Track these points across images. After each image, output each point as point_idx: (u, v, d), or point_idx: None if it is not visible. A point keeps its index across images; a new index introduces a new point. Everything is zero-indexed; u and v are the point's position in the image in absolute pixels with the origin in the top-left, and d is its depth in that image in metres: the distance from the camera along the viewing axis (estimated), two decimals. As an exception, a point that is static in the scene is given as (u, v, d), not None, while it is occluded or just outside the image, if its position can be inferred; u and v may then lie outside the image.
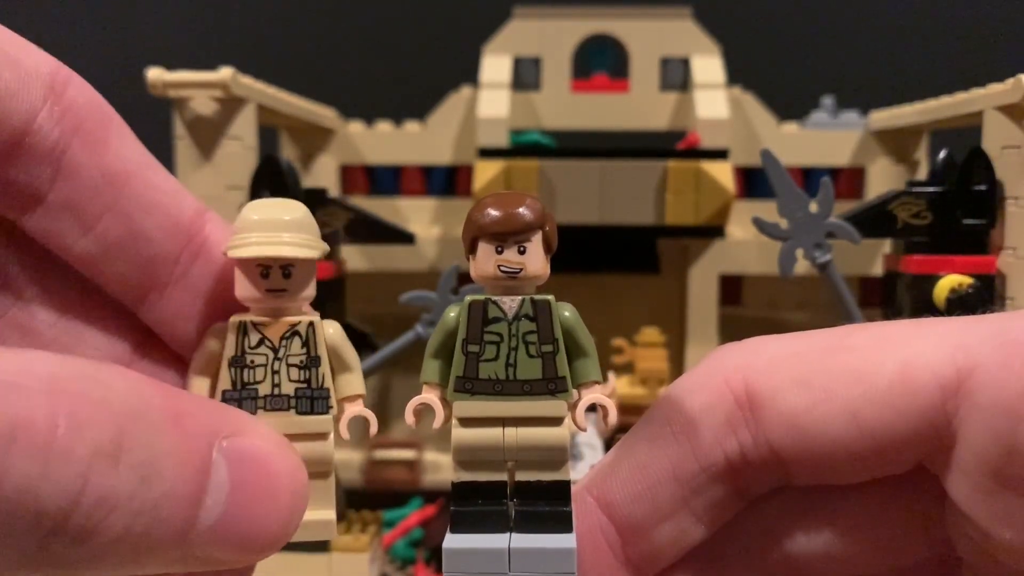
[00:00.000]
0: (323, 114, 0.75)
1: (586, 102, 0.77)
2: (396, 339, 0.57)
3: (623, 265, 0.73)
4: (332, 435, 0.26)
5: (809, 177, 0.75)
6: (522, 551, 0.24)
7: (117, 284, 0.27)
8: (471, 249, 0.25)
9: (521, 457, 0.25)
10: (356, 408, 0.26)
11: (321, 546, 0.55)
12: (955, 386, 0.23)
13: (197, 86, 0.58)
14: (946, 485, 0.24)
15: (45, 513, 0.18)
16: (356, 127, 0.79)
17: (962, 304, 0.52)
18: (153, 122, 0.26)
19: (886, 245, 0.63)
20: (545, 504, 0.25)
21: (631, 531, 0.26)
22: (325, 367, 0.26)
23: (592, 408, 0.25)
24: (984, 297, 0.53)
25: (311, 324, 0.26)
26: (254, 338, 0.26)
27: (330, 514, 0.26)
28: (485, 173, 0.68)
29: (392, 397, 0.74)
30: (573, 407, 0.25)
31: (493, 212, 0.24)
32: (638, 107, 0.77)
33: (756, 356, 0.26)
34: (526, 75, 0.77)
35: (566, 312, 0.25)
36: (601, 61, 0.78)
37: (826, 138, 0.76)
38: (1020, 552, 0.23)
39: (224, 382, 0.26)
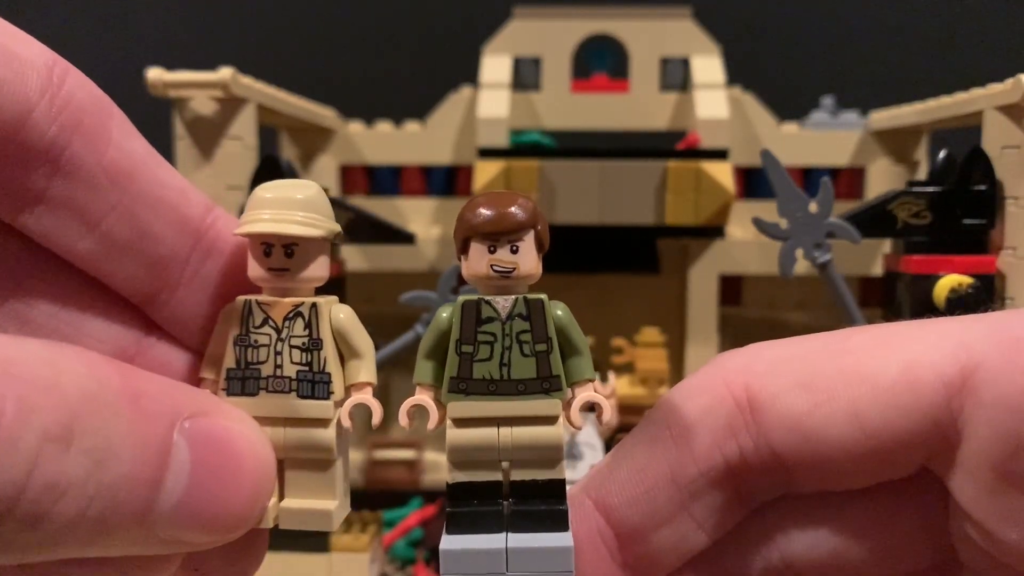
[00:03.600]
0: (323, 114, 0.75)
1: (586, 102, 0.77)
2: (396, 339, 0.57)
3: (623, 265, 0.73)
4: (334, 422, 0.25)
5: (809, 177, 0.75)
6: (519, 551, 0.24)
7: (125, 283, 0.26)
8: (463, 249, 0.25)
9: (516, 457, 0.25)
10: (361, 396, 0.26)
11: (321, 546, 0.55)
12: (959, 384, 0.23)
13: (197, 86, 0.58)
14: (950, 486, 0.24)
15: None
16: (356, 127, 0.79)
17: (962, 304, 0.52)
18: (153, 122, 0.26)
19: (886, 245, 0.63)
20: (541, 503, 0.25)
21: (628, 535, 0.25)
22: (328, 351, 0.25)
23: (590, 407, 0.25)
24: (984, 297, 0.53)
25: (314, 305, 0.25)
26: (258, 317, 0.25)
27: (329, 504, 0.25)
28: (485, 173, 0.68)
29: (392, 397, 0.74)
30: (568, 405, 0.25)
31: (485, 212, 0.24)
32: (638, 107, 0.77)
33: (756, 360, 0.26)
34: (526, 75, 0.77)
35: (559, 311, 0.25)
36: (601, 61, 0.78)
37: (826, 138, 0.76)
38: None
39: (229, 360, 0.25)
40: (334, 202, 0.59)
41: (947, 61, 0.88)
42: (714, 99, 0.72)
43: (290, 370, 0.25)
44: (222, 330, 0.26)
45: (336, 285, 0.60)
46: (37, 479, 0.18)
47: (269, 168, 0.59)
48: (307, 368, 0.25)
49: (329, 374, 0.25)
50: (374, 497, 0.67)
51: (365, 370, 0.26)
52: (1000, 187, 0.54)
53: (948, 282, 0.53)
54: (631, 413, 0.61)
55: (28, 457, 0.18)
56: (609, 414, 0.24)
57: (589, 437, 0.54)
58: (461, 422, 0.25)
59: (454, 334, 0.25)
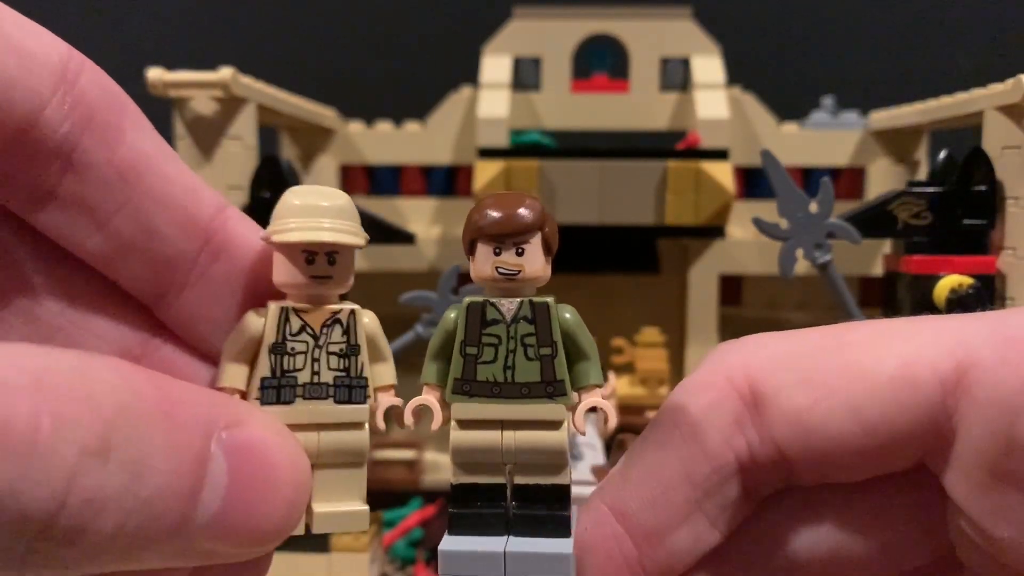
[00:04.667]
0: (323, 114, 0.75)
1: (586, 102, 0.77)
2: (396, 339, 0.57)
3: (623, 265, 0.73)
4: (367, 425, 0.26)
5: (809, 177, 0.75)
6: (518, 555, 0.24)
7: (132, 283, 0.26)
8: (470, 250, 0.25)
9: (520, 460, 0.25)
10: (390, 398, 0.26)
11: (321, 546, 0.55)
12: (954, 381, 0.23)
13: (197, 86, 0.58)
14: (945, 483, 0.24)
15: (29, 516, 0.18)
16: (356, 127, 0.79)
17: (962, 304, 0.52)
18: (153, 122, 0.25)
19: (886, 245, 0.63)
20: (544, 508, 0.25)
21: (646, 539, 0.25)
22: (364, 356, 0.25)
23: (593, 410, 0.25)
24: (984, 297, 0.53)
25: (352, 312, 0.25)
26: (295, 325, 0.25)
27: (362, 505, 0.26)
28: (485, 173, 0.68)
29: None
30: (572, 410, 0.25)
31: (491, 213, 0.24)
32: (638, 107, 0.77)
33: (758, 354, 0.26)
34: (526, 75, 0.77)
35: (567, 314, 0.25)
36: (601, 61, 0.78)
37: (826, 138, 0.76)
38: (1018, 550, 0.23)
39: (263, 369, 0.25)
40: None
41: (947, 61, 0.88)
42: (714, 99, 0.72)
43: (327, 376, 0.25)
44: (248, 333, 0.25)
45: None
46: (76, 494, 0.18)
47: (269, 168, 0.59)
48: (344, 374, 0.25)
49: (366, 379, 0.25)
50: (374, 497, 0.66)
51: (389, 373, 0.26)
52: (1000, 187, 0.54)
53: (948, 282, 0.53)
54: (631, 413, 0.61)
55: (67, 471, 0.18)
56: (614, 421, 0.24)
57: (589, 438, 0.54)
58: (464, 423, 0.25)
59: (459, 335, 0.25)
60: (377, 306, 0.26)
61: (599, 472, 0.51)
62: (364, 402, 0.25)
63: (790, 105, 0.79)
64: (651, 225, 0.68)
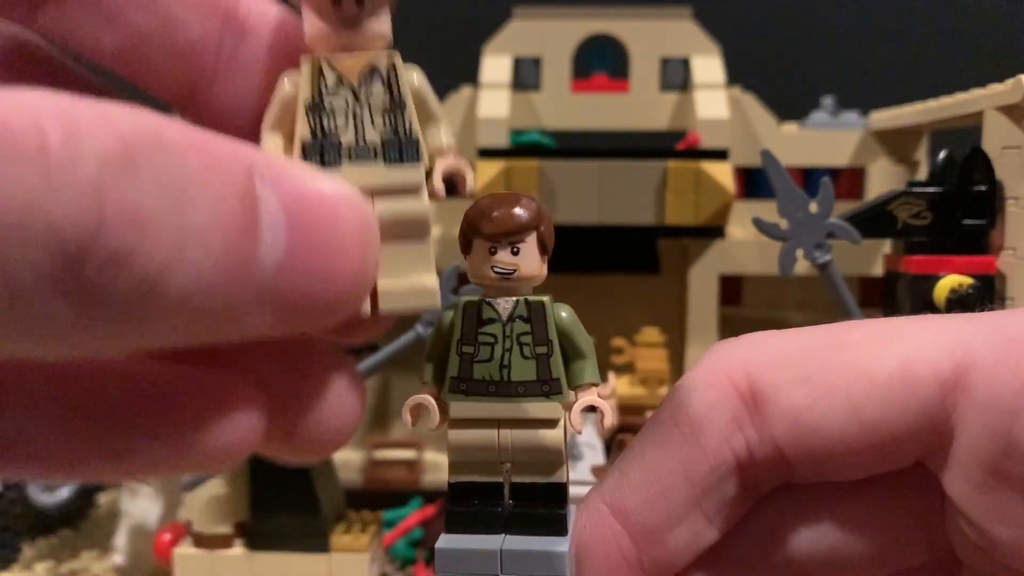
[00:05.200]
0: (323, 114, 0.75)
1: (586, 102, 0.77)
2: (396, 339, 0.57)
3: (623, 265, 0.73)
4: (425, 189, 0.23)
5: (809, 177, 0.75)
6: (514, 553, 0.24)
7: (158, 81, 0.24)
8: (466, 250, 0.25)
9: (516, 459, 0.25)
10: (450, 160, 0.23)
11: (321, 546, 0.55)
12: (953, 382, 0.23)
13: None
14: (944, 483, 0.24)
15: (64, 233, 0.15)
16: (356, 127, 0.79)
17: (962, 304, 0.52)
18: None
19: (886, 245, 0.63)
20: (541, 506, 0.25)
21: (645, 537, 0.25)
22: (411, 111, 0.23)
23: (592, 409, 0.25)
24: (984, 297, 0.53)
25: (392, 62, 0.23)
26: (331, 79, 0.22)
27: (431, 279, 0.23)
28: (485, 173, 0.68)
29: (392, 397, 0.74)
30: (569, 409, 0.25)
31: (487, 212, 0.24)
32: (638, 107, 0.77)
33: (758, 352, 0.26)
34: (526, 75, 0.77)
35: (563, 313, 0.25)
36: (601, 61, 0.78)
37: (826, 138, 0.76)
38: (1017, 551, 0.23)
39: (303, 131, 0.22)
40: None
41: (947, 61, 0.88)
42: (714, 99, 0.72)
43: (373, 136, 0.23)
44: (284, 95, 0.23)
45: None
46: (112, 208, 0.16)
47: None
48: (392, 132, 0.23)
49: (417, 137, 0.23)
50: (374, 497, 0.67)
51: (444, 134, 0.24)
52: (1000, 187, 0.54)
53: (948, 282, 0.53)
54: (631, 413, 0.61)
55: (92, 183, 0.15)
56: (611, 419, 0.24)
57: (589, 437, 0.54)
58: (461, 422, 0.25)
59: (455, 334, 0.25)
60: (377, 306, 0.26)
61: (599, 472, 0.51)
62: (417, 160, 0.23)
63: (790, 105, 0.79)
64: (651, 225, 0.68)
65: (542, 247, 0.25)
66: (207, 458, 0.21)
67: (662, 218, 0.67)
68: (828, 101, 0.77)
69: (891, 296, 0.60)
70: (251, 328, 0.18)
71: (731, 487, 0.25)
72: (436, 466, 0.73)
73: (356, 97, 0.23)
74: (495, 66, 0.75)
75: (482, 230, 0.24)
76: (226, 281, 0.17)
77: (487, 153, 0.70)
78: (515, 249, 0.24)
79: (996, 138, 0.54)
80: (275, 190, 0.18)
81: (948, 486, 0.24)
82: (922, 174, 0.73)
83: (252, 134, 0.23)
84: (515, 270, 0.24)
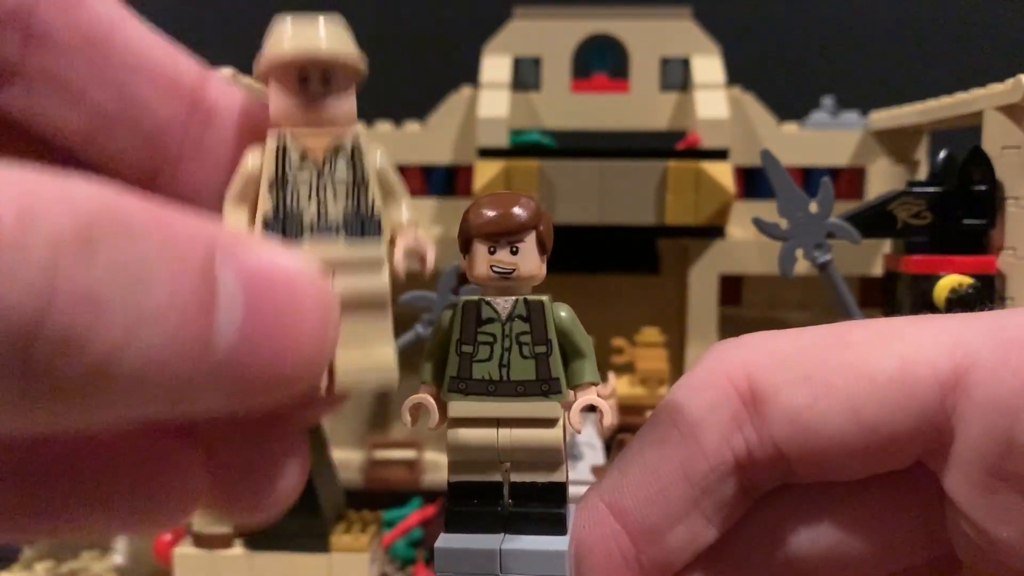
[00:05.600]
0: (323, 114, 0.75)
1: (586, 102, 0.77)
2: (396, 339, 0.57)
3: (623, 265, 0.73)
4: (386, 265, 0.23)
5: (809, 177, 0.75)
6: (513, 552, 0.24)
7: (122, 162, 0.24)
8: (465, 249, 0.25)
9: (516, 458, 0.25)
10: (409, 237, 0.23)
11: (321, 546, 0.55)
12: (953, 382, 0.23)
13: (197, 86, 0.58)
14: (944, 483, 0.24)
15: (11, 316, 0.15)
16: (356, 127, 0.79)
17: (962, 304, 0.52)
18: None
19: (886, 245, 0.63)
20: (540, 506, 0.25)
21: (644, 536, 0.25)
22: (374, 188, 0.23)
23: (591, 408, 0.25)
24: (984, 297, 0.53)
25: (355, 139, 0.23)
26: (295, 155, 0.22)
27: (390, 356, 0.23)
28: (485, 173, 0.68)
29: (392, 397, 0.74)
30: (568, 408, 0.25)
31: (486, 212, 0.24)
32: (638, 107, 0.77)
33: (758, 352, 0.26)
34: (526, 75, 0.77)
35: (562, 313, 0.25)
36: (601, 61, 0.78)
37: (826, 138, 0.76)
38: (1017, 551, 0.23)
39: (265, 206, 0.22)
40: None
41: (947, 61, 0.88)
42: (714, 99, 0.72)
43: (335, 212, 0.22)
44: (248, 169, 0.23)
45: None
46: (63, 291, 0.15)
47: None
48: (355, 208, 0.23)
49: (379, 213, 0.23)
50: (374, 497, 0.67)
51: (404, 211, 0.24)
52: (1000, 187, 0.54)
53: (948, 282, 0.53)
54: (631, 413, 0.61)
55: (43, 264, 0.15)
56: (610, 418, 0.24)
57: (589, 437, 0.54)
58: (460, 422, 0.25)
59: (454, 334, 0.25)
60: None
61: (599, 472, 0.51)
62: (378, 235, 0.23)
63: (790, 105, 0.79)
64: (651, 225, 0.68)
65: (541, 246, 0.25)
66: (145, 523, 0.21)
67: (662, 218, 0.67)
68: (828, 101, 0.77)
69: (891, 296, 0.60)
70: (202, 406, 0.18)
71: (730, 487, 0.25)
72: (436, 466, 0.73)
73: (320, 174, 0.23)
74: (495, 66, 0.75)
75: (481, 230, 0.24)
76: (179, 362, 0.17)
77: (487, 153, 0.70)
78: (514, 248, 0.24)
79: (996, 138, 0.54)
80: (234, 268, 0.18)
81: (949, 486, 0.24)
82: (922, 174, 0.73)
83: (214, 215, 0.23)
84: (514, 269, 0.24)
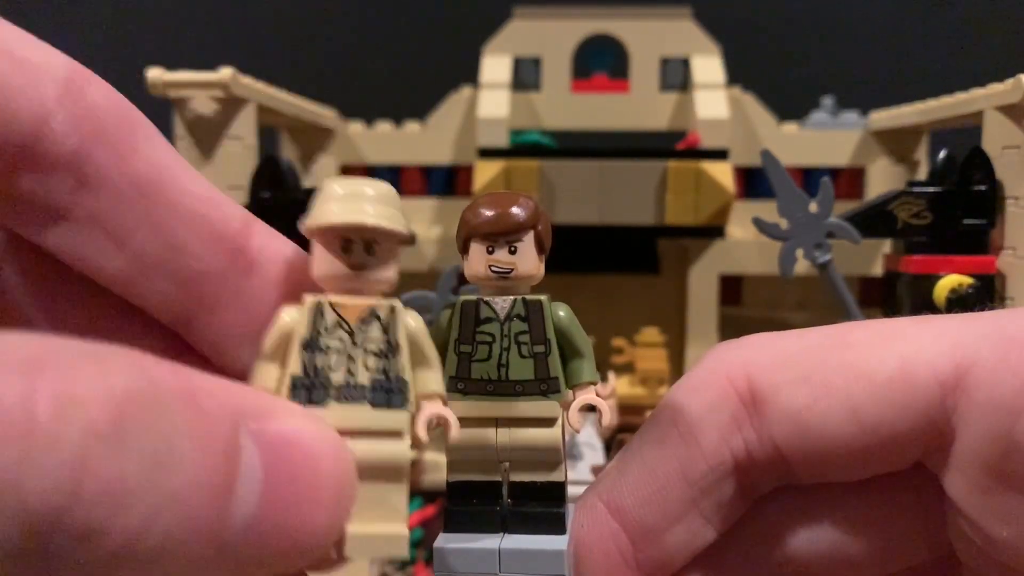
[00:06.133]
0: (323, 114, 0.75)
1: (586, 102, 0.77)
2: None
3: (623, 265, 0.73)
4: (408, 435, 0.23)
5: (809, 177, 0.75)
6: (512, 552, 0.24)
7: (158, 305, 0.24)
8: (464, 249, 0.25)
9: (514, 458, 0.25)
10: (435, 407, 0.23)
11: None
12: (953, 382, 0.23)
13: (197, 86, 0.58)
14: (944, 483, 0.24)
15: (36, 509, 0.15)
16: (356, 127, 0.79)
17: (962, 304, 0.52)
18: (153, 122, 0.25)
19: (886, 245, 0.63)
20: (538, 505, 0.25)
21: (642, 536, 0.25)
22: (404, 357, 0.23)
23: (591, 408, 0.25)
24: (984, 297, 0.53)
25: (392, 308, 0.23)
26: (330, 320, 0.23)
27: (402, 527, 0.23)
28: (485, 173, 0.68)
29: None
30: (567, 407, 0.25)
31: (484, 212, 0.24)
32: (638, 107, 0.77)
33: (758, 353, 0.26)
34: (526, 75, 0.77)
35: (561, 312, 0.25)
36: (601, 61, 0.78)
37: (826, 138, 0.76)
38: (1018, 551, 0.23)
39: (294, 367, 0.22)
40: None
41: (947, 61, 0.88)
42: (714, 99, 0.72)
43: (364, 378, 0.23)
44: (282, 328, 0.23)
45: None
46: (90, 483, 0.16)
47: (269, 168, 0.59)
48: (383, 376, 0.23)
49: (406, 382, 0.23)
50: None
51: (436, 380, 0.24)
52: (1000, 187, 0.54)
53: (948, 282, 0.53)
54: (631, 413, 0.61)
55: (74, 457, 0.15)
56: (608, 417, 0.24)
57: (589, 437, 0.54)
58: (459, 421, 0.25)
59: (453, 334, 0.25)
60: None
61: (598, 472, 0.51)
62: (404, 407, 0.23)
63: (790, 105, 0.79)
64: (651, 225, 0.68)
65: (539, 246, 0.25)
66: None
67: (662, 218, 0.67)
68: (828, 101, 0.77)
69: (891, 296, 0.59)
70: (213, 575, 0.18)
71: (729, 487, 0.25)
72: (436, 466, 0.73)
73: (352, 339, 0.23)
74: (495, 66, 0.75)
75: (479, 229, 0.24)
76: (196, 540, 0.17)
77: (487, 153, 0.70)
78: (512, 248, 0.24)
79: (996, 138, 0.54)
80: (256, 440, 0.18)
81: (949, 486, 0.24)
82: (922, 174, 0.73)
83: (244, 364, 0.24)
84: (512, 269, 0.24)
